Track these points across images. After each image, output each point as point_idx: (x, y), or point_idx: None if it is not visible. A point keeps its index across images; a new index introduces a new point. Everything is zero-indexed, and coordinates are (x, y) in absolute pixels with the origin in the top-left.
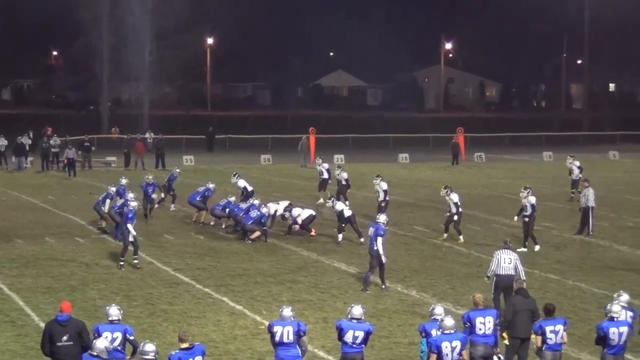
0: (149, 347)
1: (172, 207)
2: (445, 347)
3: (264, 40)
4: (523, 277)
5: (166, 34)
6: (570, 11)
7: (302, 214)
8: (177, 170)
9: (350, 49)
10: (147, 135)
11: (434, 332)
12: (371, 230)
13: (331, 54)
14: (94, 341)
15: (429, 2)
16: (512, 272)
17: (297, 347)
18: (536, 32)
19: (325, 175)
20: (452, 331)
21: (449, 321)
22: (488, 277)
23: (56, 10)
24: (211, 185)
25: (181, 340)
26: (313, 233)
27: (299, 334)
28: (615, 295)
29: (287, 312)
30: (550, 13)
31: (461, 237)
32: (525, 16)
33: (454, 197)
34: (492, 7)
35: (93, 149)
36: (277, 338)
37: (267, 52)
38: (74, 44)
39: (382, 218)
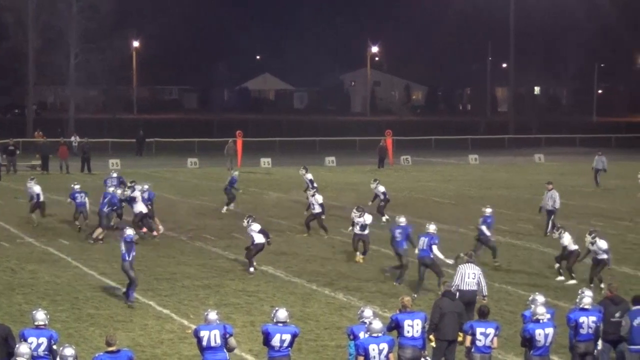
0: (68, 351)
1: (225, 209)
2: (373, 349)
3: (191, 43)
4: (485, 292)
5: (92, 37)
6: (496, 15)
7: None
8: (236, 173)
9: (276, 52)
10: (72, 138)
11: (361, 335)
12: (424, 241)
13: (257, 57)
14: (18, 346)
15: (355, 6)
16: (475, 287)
17: (224, 350)
18: (462, 35)
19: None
20: (380, 334)
21: (377, 324)
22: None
23: None
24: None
25: (108, 344)
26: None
27: (225, 337)
28: (530, 298)
29: (213, 315)
30: (476, 17)
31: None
32: (451, 20)
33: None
34: (418, 10)
35: (18, 152)
36: (204, 342)
37: (193, 55)
38: None
39: (432, 228)
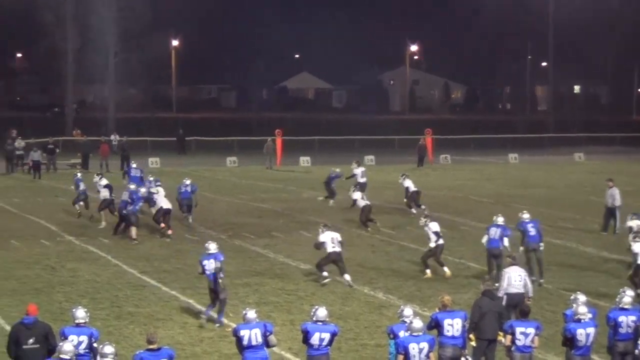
0: (108, 349)
1: (332, 202)
2: (413, 348)
3: (229, 42)
4: (531, 293)
5: (131, 36)
6: (535, 13)
7: None
8: (338, 170)
9: (315, 51)
10: (112, 137)
11: (401, 334)
12: (495, 231)
13: (296, 56)
14: (61, 344)
15: (394, 4)
16: (522, 289)
17: (265, 348)
18: (501, 34)
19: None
20: (421, 333)
21: (418, 323)
22: (499, 297)
23: (19, 12)
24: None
25: (149, 342)
26: None
27: (265, 335)
28: (571, 297)
29: (252, 314)
30: (516, 15)
31: (445, 269)
32: (490, 18)
33: (433, 226)
34: (458, 9)
35: (57, 151)
36: (244, 342)
37: (232, 54)
38: (39, 47)
39: (500, 219)
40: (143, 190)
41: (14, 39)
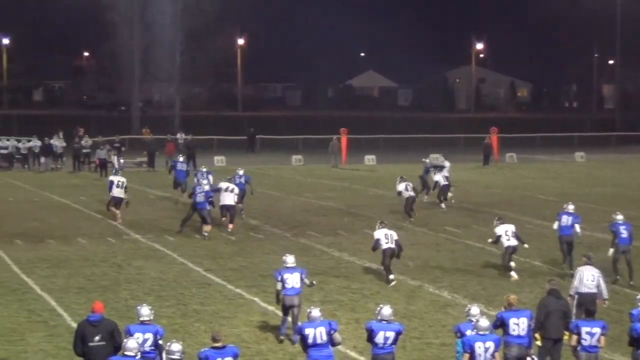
0: (176, 346)
1: (425, 198)
2: (479, 347)
3: (294, 40)
4: (606, 295)
5: (197, 35)
6: (602, 10)
7: None
8: (428, 160)
9: (380, 49)
10: (178, 135)
11: (468, 333)
12: (567, 219)
13: (362, 54)
14: (125, 341)
15: (459, 2)
16: (594, 290)
17: (330, 346)
18: (567, 31)
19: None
20: (487, 332)
21: (484, 322)
22: (571, 295)
23: (86, 12)
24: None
25: (214, 340)
26: None
27: (330, 333)
28: (638, 297)
29: (316, 312)
30: (582, 12)
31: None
32: (556, 16)
33: (499, 229)
34: (522, 7)
35: (123, 149)
36: (310, 340)
37: (297, 52)
38: (105, 46)
39: (571, 207)
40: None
41: (81, 38)
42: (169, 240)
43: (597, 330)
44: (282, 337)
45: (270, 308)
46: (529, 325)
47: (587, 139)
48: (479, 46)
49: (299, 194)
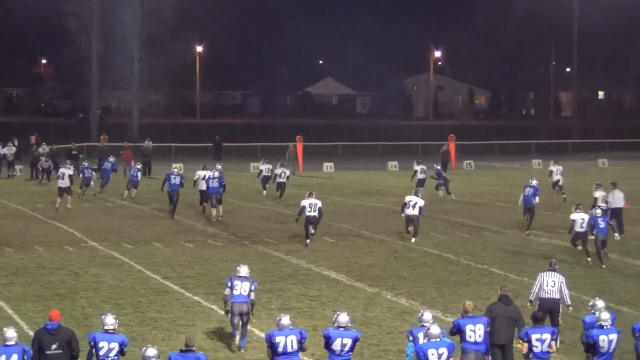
0: (151, 351)
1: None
2: (432, 354)
3: (253, 48)
4: (569, 301)
5: (155, 42)
6: (559, 20)
7: None
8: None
9: (339, 56)
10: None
11: (420, 336)
12: (529, 190)
13: (320, 62)
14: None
15: (418, 10)
16: (556, 295)
17: (299, 355)
18: (525, 39)
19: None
20: (438, 339)
21: (435, 329)
22: (531, 301)
23: (45, 19)
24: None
25: (187, 345)
26: None
27: (301, 342)
28: (590, 304)
29: (286, 320)
30: (539, 21)
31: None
32: (514, 24)
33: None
34: (481, 15)
35: (81, 156)
36: (279, 348)
37: (256, 60)
38: (63, 53)
39: (534, 182)
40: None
41: (39, 45)
42: (127, 248)
43: (547, 336)
44: (234, 343)
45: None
46: (486, 332)
47: (544, 146)
48: (437, 54)
49: (257, 202)
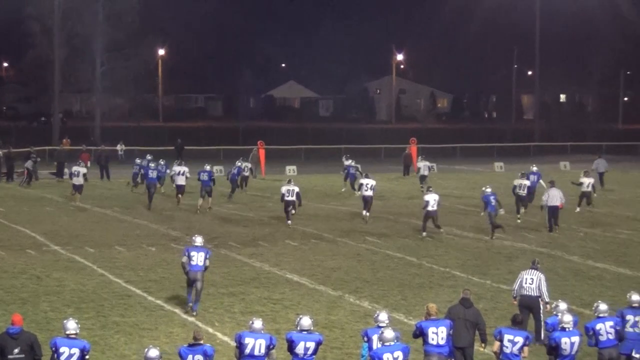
0: (153, 352)
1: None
2: (387, 358)
3: (216, 51)
4: (547, 299)
5: (118, 45)
6: (521, 22)
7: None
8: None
9: (302, 60)
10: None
11: (374, 338)
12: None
13: (283, 65)
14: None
15: (380, 14)
16: (535, 293)
17: None
18: (487, 42)
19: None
20: (392, 343)
21: (389, 333)
22: (515, 298)
23: (6, 21)
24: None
25: (194, 338)
26: None
27: (269, 348)
28: (552, 305)
29: (258, 324)
30: (501, 25)
31: None
32: (476, 27)
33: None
34: (443, 18)
35: (39, 160)
36: (247, 350)
37: (218, 63)
38: (25, 56)
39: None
40: None
41: (1, 49)
42: (89, 252)
43: (519, 339)
44: (189, 306)
45: (191, 319)
46: (449, 335)
47: (506, 149)
48: (400, 57)
49: (219, 205)
